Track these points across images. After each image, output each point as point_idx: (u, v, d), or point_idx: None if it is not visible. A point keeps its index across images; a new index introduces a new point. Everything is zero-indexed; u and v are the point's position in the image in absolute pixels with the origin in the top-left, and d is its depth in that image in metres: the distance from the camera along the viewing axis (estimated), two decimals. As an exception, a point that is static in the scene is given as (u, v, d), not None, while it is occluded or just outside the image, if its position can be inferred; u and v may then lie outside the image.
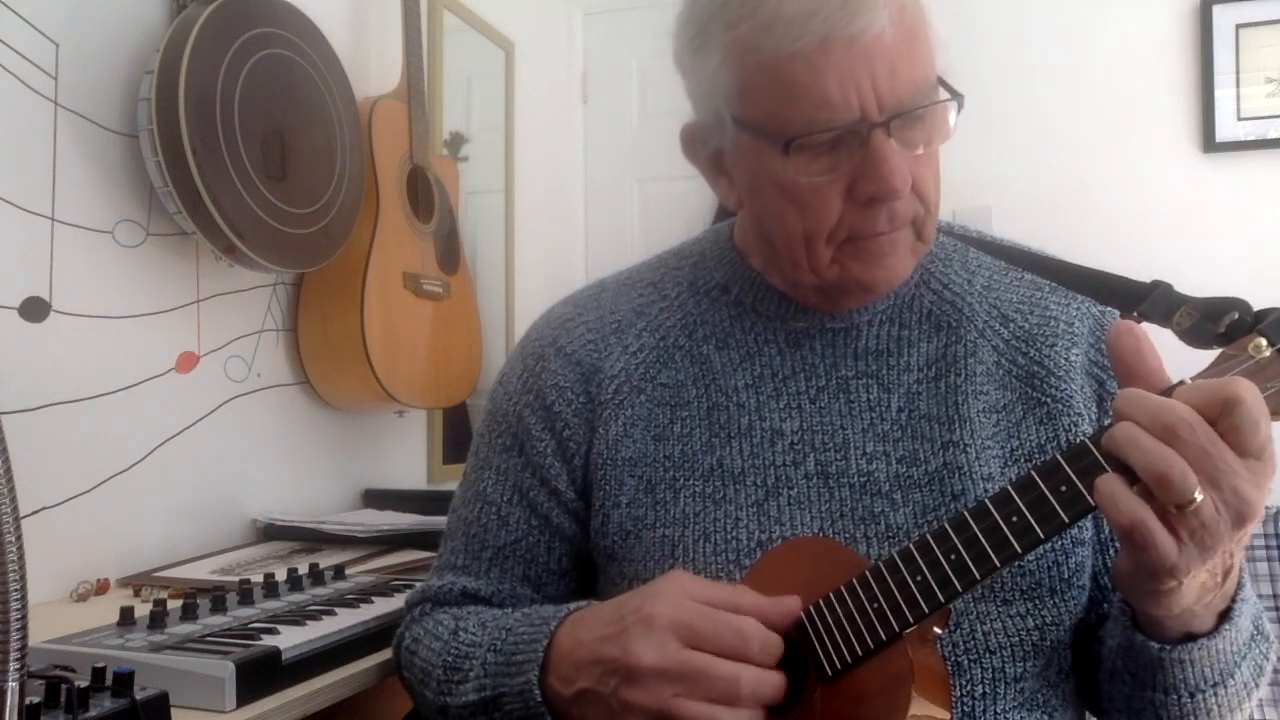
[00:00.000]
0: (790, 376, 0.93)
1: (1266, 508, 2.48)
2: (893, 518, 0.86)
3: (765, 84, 0.82)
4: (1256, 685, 0.81)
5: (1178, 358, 0.73)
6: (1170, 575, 0.66)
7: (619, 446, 0.93)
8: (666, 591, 0.76)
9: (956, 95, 0.84)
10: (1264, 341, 0.68)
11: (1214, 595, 0.72)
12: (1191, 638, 0.75)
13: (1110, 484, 0.66)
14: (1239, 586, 0.75)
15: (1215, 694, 0.78)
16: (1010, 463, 0.88)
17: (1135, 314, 0.77)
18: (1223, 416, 0.63)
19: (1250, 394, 0.63)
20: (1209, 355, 0.70)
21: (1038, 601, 0.84)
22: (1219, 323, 0.70)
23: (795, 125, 0.81)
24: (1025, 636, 0.83)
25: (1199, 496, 0.63)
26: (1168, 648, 0.76)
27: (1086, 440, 0.68)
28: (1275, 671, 0.85)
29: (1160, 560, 0.65)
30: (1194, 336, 0.72)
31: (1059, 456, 0.69)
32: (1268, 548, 2.32)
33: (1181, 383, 0.67)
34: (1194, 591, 0.70)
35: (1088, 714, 0.93)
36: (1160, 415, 0.64)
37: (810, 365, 0.93)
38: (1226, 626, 0.75)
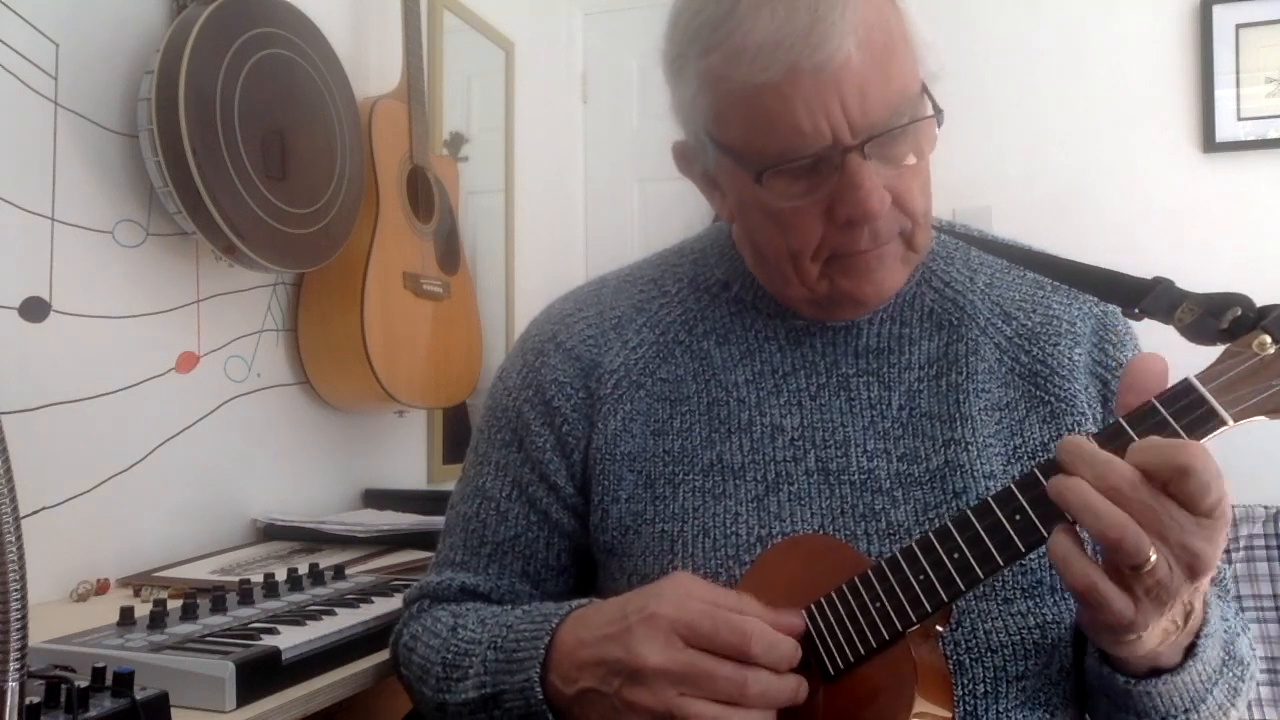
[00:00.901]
0: (791, 373, 0.93)
1: (1266, 507, 2.48)
2: (893, 515, 0.86)
3: (738, 112, 0.82)
4: (1233, 705, 0.82)
5: (1180, 354, 0.72)
6: (1128, 630, 0.67)
7: (618, 441, 0.93)
8: (670, 591, 0.76)
9: (937, 110, 0.84)
10: (1268, 338, 0.67)
11: (1177, 635, 0.73)
12: (1157, 672, 0.76)
13: (1063, 546, 0.66)
14: (1204, 622, 0.75)
15: (1188, 717, 0.79)
16: (1013, 461, 0.88)
17: (1136, 310, 0.77)
18: (1173, 483, 0.64)
19: (1201, 461, 0.63)
20: (1211, 352, 0.70)
21: (1038, 600, 0.84)
22: (1221, 319, 0.70)
23: (769, 153, 0.81)
24: (1026, 635, 0.83)
25: (1153, 557, 0.63)
26: (1133, 680, 0.77)
27: (1090, 437, 0.68)
28: (1275, 672, 0.85)
29: (1116, 619, 0.66)
30: (1196, 333, 0.72)
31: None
32: (1268, 548, 2.32)
33: (1122, 433, 0.67)
34: (1155, 637, 0.71)
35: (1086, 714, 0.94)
36: (1106, 475, 0.64)
37: (811, 362, 0.93)
38: (1191, 662, 0.75)
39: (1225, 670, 0.80)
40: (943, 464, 0.87)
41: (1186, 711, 0.78)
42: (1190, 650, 0.76)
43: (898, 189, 0.83)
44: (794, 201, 0.83)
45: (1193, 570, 0.65)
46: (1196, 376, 0.68)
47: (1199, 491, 0.63)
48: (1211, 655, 0.77)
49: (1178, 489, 0.63)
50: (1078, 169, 2.70)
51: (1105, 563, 0.66)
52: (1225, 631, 0.81)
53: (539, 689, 0.80)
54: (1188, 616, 0.71)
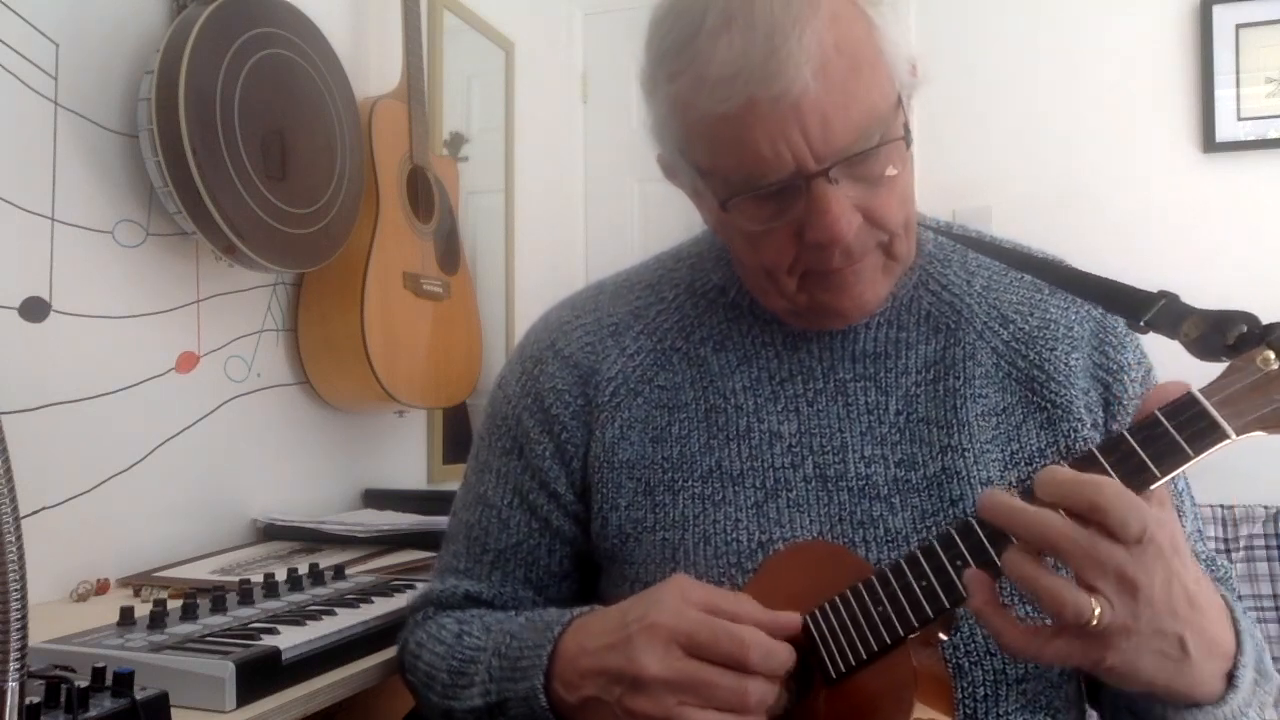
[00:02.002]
0: (788, 379, 0.93)
1: (1265, 507, 2.47)
2: (891, 522, 0.86)
3: (703, 139, 0.82)
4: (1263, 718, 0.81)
5: (1186, 368, 0.73)
6: (1094, 666, 0.67)
7: (616, 449, 0.93)
8: (668, 599, 0.76)
9: (907, 132, 0.83)
10: (1272, 354, 0.68)
11: (1188, 666, 0.70)
12: (1198, 704, 0.73)
13: (986, 617, 0.67)
14: (1239, 648, 0.73)
15: None
16: (1010, 466, 0.88)
17: (1141, 323, 0.77)
18: (1090, 516, 0.64)
19: (1109, 496, 0.63)
20: (1214, 368, 0.70)
21: (1036, 607, 0.84)
22: (1227, 335, 0.70)
23: (734, 180, 0.82)
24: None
25: (1095, 610, 0.63)
26: (1173, 709, 0.74)
27: (1093, 448, 0.68)
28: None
29: (1066, 663, 0.67)
30: (1202, 349, 0.72)
31: (1062, 462, 0.69)
32: (1268, 548, 2.32)
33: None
34: (1153, 673, 0.68)
35: (1089, 715, 0.93)
36: (1041, 534, 0.65)
37: (808, 368, 0.93)
38: (1231, 693, 0.73)
39: (1257, 689, 0.78)
40: (940, 470, 0.87)
41: None
42: (1230, 679, 0.73)
43: (871, 206, 0.82)
44: (763, 225, 0.83)
45: (1135, 598, 0.64)
46: (1200, 390, 0.68)
47: (1119, 526, 0.63)
48: (1247, 680, 0.75)
49: (1099, 524, 0.63)
50: (1078, 169, 2.70)
51: (1054, 622, 0.66)
52: (1255, 649, 0.79)
53: (543, 697, 0.80)
54: (1183, 644, 0.68)
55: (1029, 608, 0.81)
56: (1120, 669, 0.67)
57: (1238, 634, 0.73)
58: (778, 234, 0.83)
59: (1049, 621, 0.67)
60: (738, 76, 0.76)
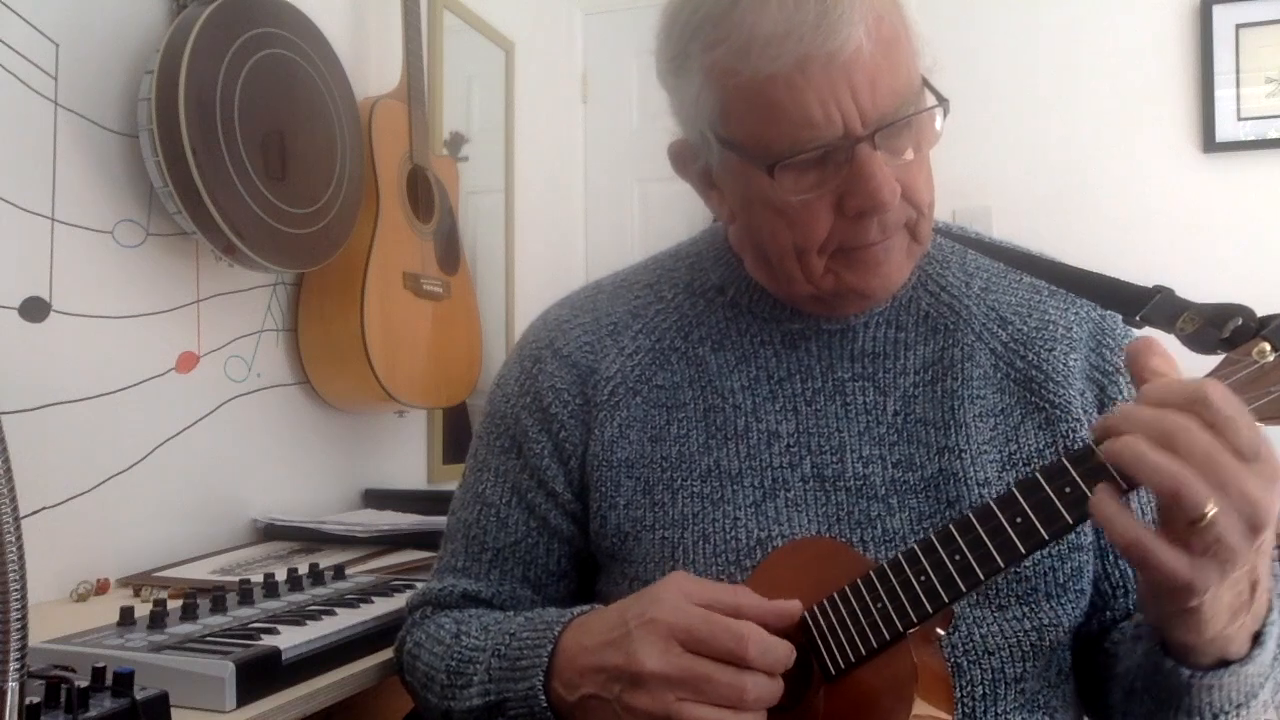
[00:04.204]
0: (786, 378, 0.93)
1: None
2: (889, 522, 0.86)
3: (746, 106, 0.82)
4: (1272, 701, 0.80)
5: (1179, 358, 0.72)
6: (1187, 593, 0.65)
7: (615, 448, 0.93)
8: (667, 595, 0.76)
9: (942, 100, 0.84)
10: (1268, 346, 0.67)
11: (1245, 615, 0.70)
12: (1225, 663, 0.73)
13: (1104, 505, 0.64)
14: (1270, 608, 0.73)
15: (1238, 714, 0.77)
16: (1008, 467, 0.88)
17: (1137, 319, 0.77)
18: (1195, 415, 0.62)
19: (1217, 392, 0.62)
20: (1210, 361, 0.70)
21: (1033, 606, 0.84)
22: (1222, 328, 0.70)
23: (779, 146, 0.81)
24: (1024, 638, 0.83)
25: (1210, 510, 0.61)
26: (1198, 674, 0.74)
27: (1090, 443, 0.68)
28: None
29: (1170, 578, 0.63)
30: (1197, 342, 0.72)
31: (1064, 459, 0.69)
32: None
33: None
34: (1223, 614, 0.68)
35: (1085, 716, 0.93)
36: (1158, 423, 0.63)
37: (806, 367, 0.93)
38: (1258, 650, 0.73)
39: (1276, 664, 0.78)
40: (937, 472, 0.87)
41: (1239, 707, 0.76)
42: (1257, 637, 0.73)
43: (905, 180, 0.83)
44: (804, 195, 0.82)
45: (1252, 524, 0.62)
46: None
47: (1226, 425, 0.61)
48: (1271, 645, 0.75)
49: (1211, 425, 0.61)
50: (1078, 169, 2.70)
51: (1163, 519, 0.64)
52: None
53: (543, 697, 0.80)
54: (1254, 589, 0.69)
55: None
56: (1207, 603, 0.65)
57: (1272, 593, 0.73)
58: (816, 206, 0.83)
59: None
60: (790, 35, 0.76)
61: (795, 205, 0.83)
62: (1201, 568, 0.63)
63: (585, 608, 0.85)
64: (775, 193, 0.83)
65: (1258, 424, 0.63)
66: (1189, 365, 0.72)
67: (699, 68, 0.83)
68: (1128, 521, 0.64)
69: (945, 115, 0.85)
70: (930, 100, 0.83)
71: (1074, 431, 0.88)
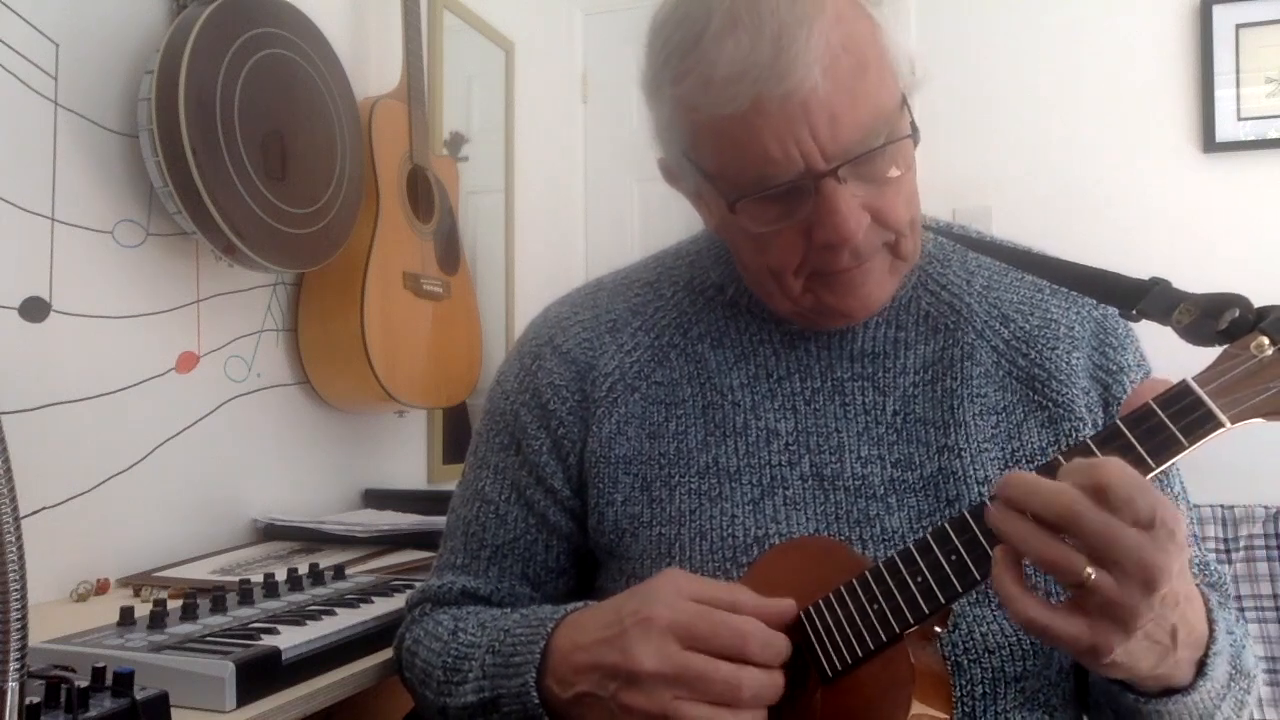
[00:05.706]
0: (785, 377, 0.93)
1: (1265, 507, 2.47)
2: (887, 522, 0.86)
3: (712, 140, 0.82)
4: (1239, 717, 0.81)
5: (1180, 355, 0.72)
6: (1094, 654, 0.66)
7: (613, 444, 0.93)
8: (663, 592, 0.76)
9: (914, 130, 0.83)
10: (1266, 340, 0.67)
11: (1173, 655, 0.70)
12: (1169, 691, 0.75)
13: (1003, 584, 0.66)
14: (1211, 637, 0.74)
15: None
16: (1010, 464, 0.88)
17: (1134, 311, 0.77)
18: (1099, 499, 0.63)
19: (1115, 475, 0.63)
20: (1210, 353, 0.70)
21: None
22: (1219, 320, 0.70)
23: (742, 182, 0.81)
24: (1024, 636, 0.83)
25: (1090, 573, 0.62)
26: (1143, 700, 0.76)
27: (1088, 440, 0.68)
28: (1275, 672, 0.85)
29: (1072, 645, 0.65)
30: (1194, 334, 0.72)
31: (1060, 458, 0.69)
32: (1267, 548, 2.32)
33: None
34: (1144, 662, 0.69)
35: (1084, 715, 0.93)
36: (1052, 504, 0.64)
37: (805, 366, 0.93)
38: (1202, 680, 0.74)
39: (1233, 684, 0.79)
40: (936, 471, 0.87)
41: None
42: (1200, 668, 0.74)
43: (878, 206, 0.83)
44: (770, 226, 0.83)
45: (1148, 584, 0.63)
46: (1194, 379, 0.68)
47: (1124, 504, 0.62)
48: (1220, 672, 0.76)
49: (1108, 507, 0.63)
50: (1078, 169, 2.70)
51: (1059, 583, 0.65)
52: (1232, 645, 0.80)
53: (535, 693, 0.80)
54: (1174, 634, 0.69)
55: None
56: (1121, 658, 0.66)
57: (1211, 625, 0.74)
58: (785, 235, 0.83)
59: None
60: (745, 75, 0.76)
61: (766, 234, 0.84)
62: (1102, 630, 0.64)
63: (580, 604, 0.84)
64: (741, 224, 0.84)
65: (1153, 488, 0.64)
66: (1187, 358, 0.72)
67: (669, 97, 0.84)
68: (1020, 601, 0.65)
69: (916, 144, 0.84)
70: (906, 125, 0.83)
71: (1076, 431, 0.88)
